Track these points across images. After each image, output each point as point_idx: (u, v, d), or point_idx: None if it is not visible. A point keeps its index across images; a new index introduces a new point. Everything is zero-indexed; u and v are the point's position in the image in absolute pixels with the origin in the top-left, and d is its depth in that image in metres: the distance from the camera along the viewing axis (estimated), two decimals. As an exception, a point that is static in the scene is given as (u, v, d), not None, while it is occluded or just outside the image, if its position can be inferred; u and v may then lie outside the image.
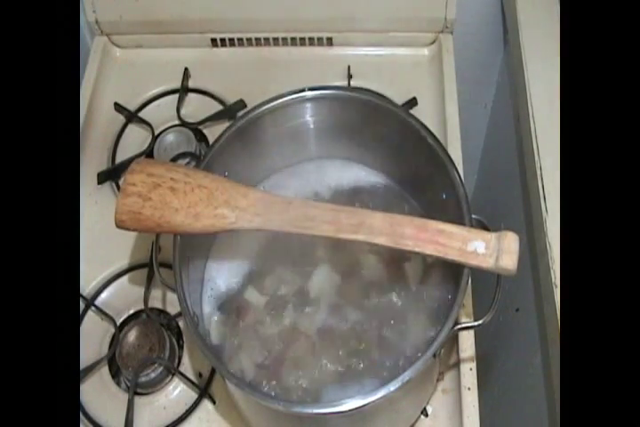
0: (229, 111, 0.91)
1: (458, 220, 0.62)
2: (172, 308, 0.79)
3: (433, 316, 0.68)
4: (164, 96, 0.95)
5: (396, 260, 0.71)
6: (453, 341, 0.75)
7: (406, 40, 0.96)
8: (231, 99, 0.93)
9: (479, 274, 0.60)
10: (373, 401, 0.56)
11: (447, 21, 0.93)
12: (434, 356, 0.58)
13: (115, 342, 0.77)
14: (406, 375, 0.57)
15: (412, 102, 0.91)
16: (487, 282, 0.65)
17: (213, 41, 0.98)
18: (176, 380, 0.76)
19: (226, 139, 0.69)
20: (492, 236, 0.59)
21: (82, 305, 0.80)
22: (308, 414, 0.58)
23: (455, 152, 0.85)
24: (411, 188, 0.76)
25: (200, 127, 0.91)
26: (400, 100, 0.90)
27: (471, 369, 0.73)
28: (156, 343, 0.75)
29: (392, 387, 0.56)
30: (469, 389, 0.72)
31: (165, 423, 0.74)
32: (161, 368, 0.74)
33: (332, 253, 0.72)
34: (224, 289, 0.72)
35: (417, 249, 0.60)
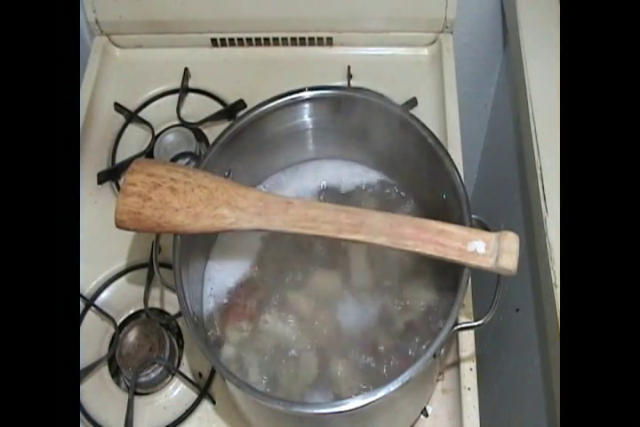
0: (229, 111, 0.91)
1: (458, 220, 0.62)
2: (172, 308, 0.79)
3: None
4: (163, 96, 0.95)
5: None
6: (453, 341, 0.75)
7: (406, 40, 0.96)
8: (231, 99, 0.93)
9: (479, 274, 0.60)
10: (373, 401, 0.56)
11: (447, 21, 0.93)
12: (434, 356, 0.58)
13: (115, 342, 0.77)
14: (406, 375, 0.57)
15: (412, 102, 0.90)
16: (487, 282, 0.65)
17: (213, 41, 0.98)
18: (176, 380, 0.76)
19: (226, 139, 0.69)
20: (492, 236, 0.59)
21: (82, 305, 0.80)
22: (308, 414, 0.58)
23: (455, 152, 0.84)
24: (411, 188, 0.76)
25: (200, 127, 0.91)
26: (400, 100, 0.90)
27: (471, 369, 0.73)
28: (156, 343, 0.75)
29: (392, 387, 0.56)
30: (469, 389, 0.72)
31: (165, 423, 0.74)
32: (161, 368, 0.74)
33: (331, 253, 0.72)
34: (224, 289, 0.72)
35: (417, 249, 0.60)
